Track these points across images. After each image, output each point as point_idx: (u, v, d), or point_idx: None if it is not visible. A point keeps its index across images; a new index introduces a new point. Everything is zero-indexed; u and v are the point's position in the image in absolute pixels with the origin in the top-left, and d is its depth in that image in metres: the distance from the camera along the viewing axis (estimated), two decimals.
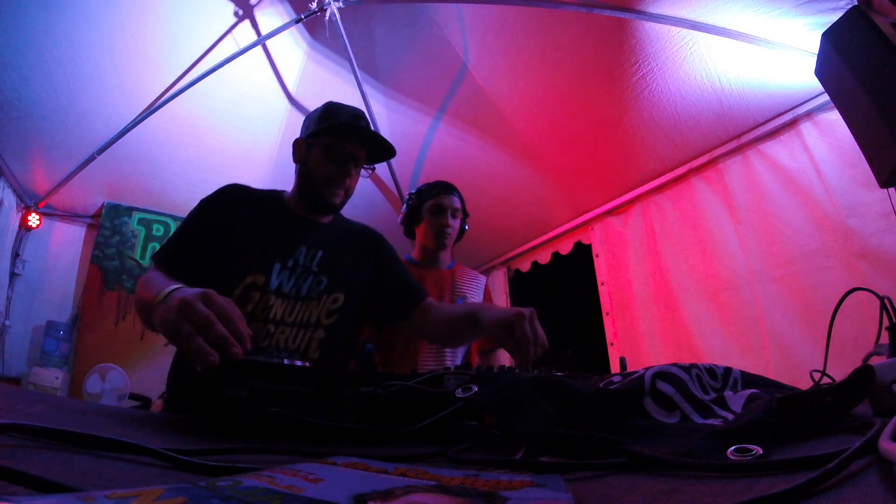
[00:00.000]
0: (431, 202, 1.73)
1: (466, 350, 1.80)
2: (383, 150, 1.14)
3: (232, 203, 1.08)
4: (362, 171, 1.14)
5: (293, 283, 1.05)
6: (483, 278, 1.95)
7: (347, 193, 1.12)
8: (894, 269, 1.72)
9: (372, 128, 1.14)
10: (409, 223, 1.80)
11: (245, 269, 1.01)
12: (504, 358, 2.05)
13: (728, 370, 0.65)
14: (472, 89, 2.84)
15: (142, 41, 2.49)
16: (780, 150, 2.18)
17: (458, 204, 1.75)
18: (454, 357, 1.72)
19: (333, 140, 1.09)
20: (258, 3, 2.59)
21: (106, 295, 3.29)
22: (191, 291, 0.63)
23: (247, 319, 0.63)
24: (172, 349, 1.02)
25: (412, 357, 1.63)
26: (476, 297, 1.85)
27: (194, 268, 0.98)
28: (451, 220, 1.72)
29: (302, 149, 1.12)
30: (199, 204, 1.09)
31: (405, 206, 1.82)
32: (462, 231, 1.81)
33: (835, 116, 1.87)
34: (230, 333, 0.58)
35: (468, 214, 1.83)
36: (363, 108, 2.98)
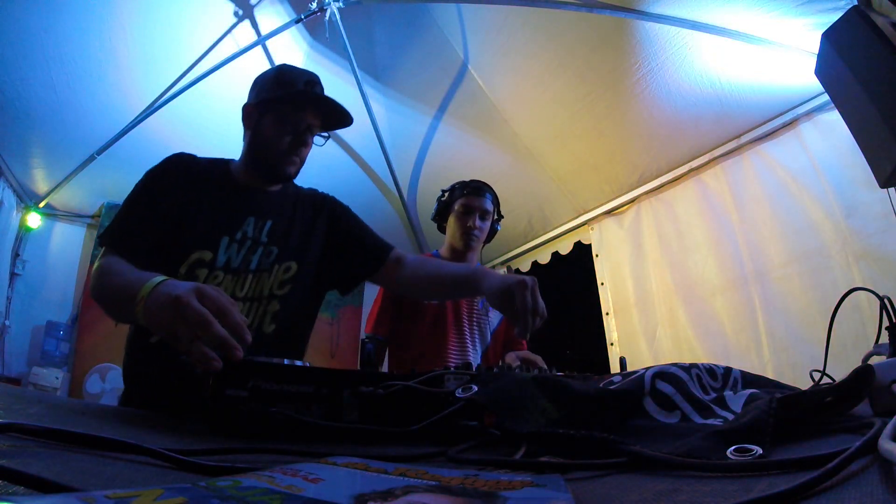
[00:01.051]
0: (461, 202, 1.71)
1: (484, 350, 1.78)
2: (340, 118, 1.09)
3: (178, 175, 1.03)
4: (318, 139, 1.10)
5: (242, 256, 1.01)
6: None
7: (302, 163, 1.09)
8: (894, 269, 1.72)
9: (324, 90, 1.08)
10: (440, 220, 1.79)
11: (191, 246, 0.97)
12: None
13: (728, 370, 0.66)
14: (472, 89, 2.84)
15: (142, 41, 2.48)
16: (779, 150, 2.18)
17: (488, 206, 1.72)
18: (475, 355, 1.70)
19: (289, 108, 1.03)
20: (258, 3, 2.59)
21: None
22: (182, 287, 0.61)
23: None
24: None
25: (436, 353, 1.62)
26: None
27: (146, 246, 0.93)
28: (478, 223, 1.69)
29: (253, 115, 1.06)
30: (144, 176, 1.02)
31: (437, 202, 1.80)
32: (494, 231, 1.78)
33: (835, 116, 1.87)
34: (228, 328, 0.57)
35: (502, 216, 1.80)
36: (363, 108, 2.99)
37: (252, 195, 1.08)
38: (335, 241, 1.15)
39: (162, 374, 0.91)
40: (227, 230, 1.01)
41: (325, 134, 1.11)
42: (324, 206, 1.17)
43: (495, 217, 1.77)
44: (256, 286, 1.01)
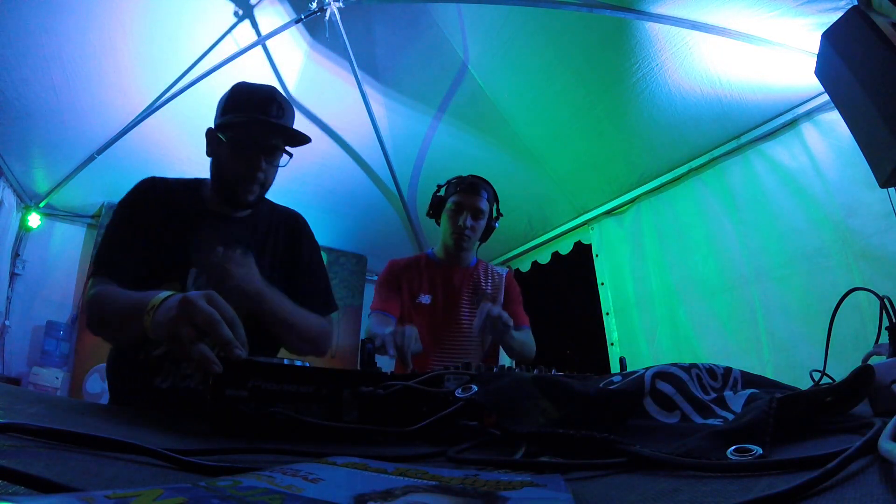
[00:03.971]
0: (454, 199, 1.63)
1: (485, 354, 1.74)
2: (297, 137, 1.05)
3: (148, 201, 1.02)
4: (283, 158, 1.06)
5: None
6: (504, 271, 1.86)
7: (264, 187, 1.07)
8: (894, 269, 1.72)
9: (284, 109, 1.04)
10: (434, 215, 1.73)
11: (160, 277, 0.97)
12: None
13: (728, 370, 0.65)
14: (472, 89, 2.84)
15: (142, 41, 2.48)
16: (780, 150, 2.18)
17: (483, 205, 1.62)
18: (475, 352, 1.65)
19: (242, 132, 1.01)
20: (258, 3, 2.59)
21: None
22: (193, 292, 0.63)
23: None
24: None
25: (435, 349, 1.59)
26: (498, 293, 1.76)
27: (133, 271, 0.94)
28: (470, 222, 1.61)
29: (213, 141, 1.05)
30: (118, 205, 1.02)
31: (433, 196, 1.73)
32: (491, 229, 1.71)
33: (835, 116, 1.87)
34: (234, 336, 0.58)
35: (501, 214, 1.71)
36: (363, 107, 2.99)
37: (220, 222, 1.06)
38: (292, 270, 1.14)
39: (146, 391, 0.94)
40: (195, 261, 1.00)
41: (290, 152, 1.07)
42: (292, 230, 1.17)
43: (493, 215, 1.69)
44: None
